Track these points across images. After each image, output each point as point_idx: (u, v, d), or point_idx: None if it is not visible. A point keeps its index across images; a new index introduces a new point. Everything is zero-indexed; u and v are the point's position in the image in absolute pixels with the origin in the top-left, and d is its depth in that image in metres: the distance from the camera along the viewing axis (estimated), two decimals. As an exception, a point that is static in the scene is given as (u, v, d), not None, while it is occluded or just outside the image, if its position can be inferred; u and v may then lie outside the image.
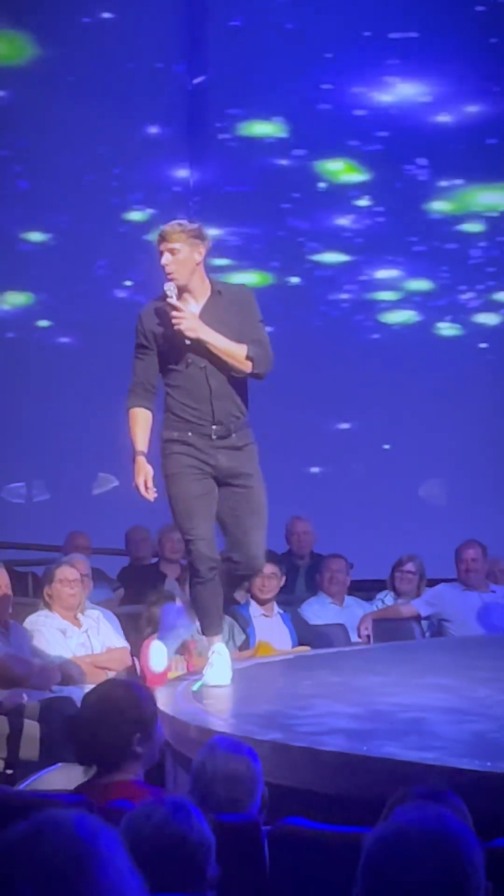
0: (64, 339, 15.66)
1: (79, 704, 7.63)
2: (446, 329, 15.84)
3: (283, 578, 10.51)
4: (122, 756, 4.90)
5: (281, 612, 10.39)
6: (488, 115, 15.66)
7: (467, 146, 15.48)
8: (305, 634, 10.50)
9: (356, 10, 15.46)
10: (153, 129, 15.86)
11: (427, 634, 11.15)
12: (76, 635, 9.45)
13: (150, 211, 15.47)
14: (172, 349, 7.51)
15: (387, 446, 15.30)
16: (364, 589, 11.87)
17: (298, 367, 14.35)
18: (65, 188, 15.23)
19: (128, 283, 15.38)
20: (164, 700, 7.43)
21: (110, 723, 4.90)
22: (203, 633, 8.09)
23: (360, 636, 10.95)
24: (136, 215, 15.52)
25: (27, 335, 15.48)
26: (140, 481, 7.49)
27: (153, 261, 8.18)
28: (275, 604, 10.36)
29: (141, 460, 7.53)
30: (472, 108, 15.75)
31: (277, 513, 11.77)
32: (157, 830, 3.59)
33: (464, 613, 11.13)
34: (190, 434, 7.48)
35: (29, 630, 9.25)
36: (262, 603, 10.28)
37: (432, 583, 11.54)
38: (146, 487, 7.48)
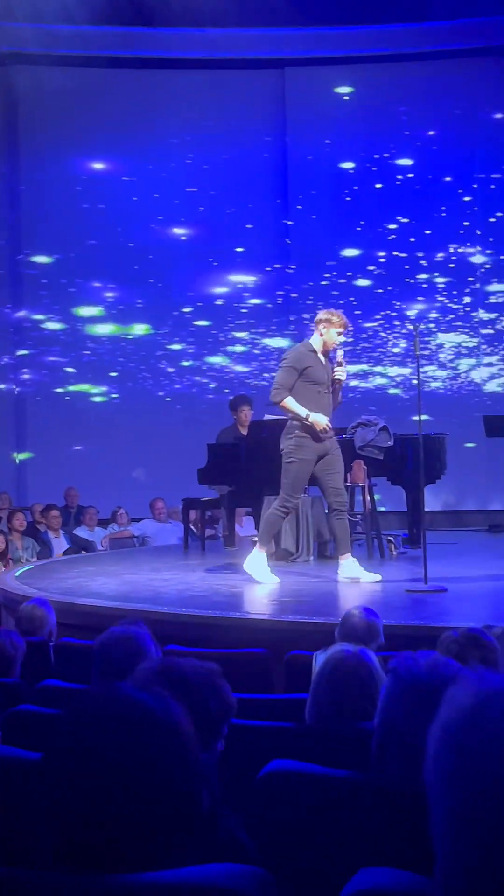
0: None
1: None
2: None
3: (61, 518, 12.51)
4: None
5: (64, 534, 12.39)
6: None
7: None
8: (81, 545, 12.46)
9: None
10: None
11: (138, 545, 12.85)
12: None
13: None
14: (313, 379, 7.79)
15: (135, 474, 14.57)
16: (103, 523, 13.30)
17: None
18: None
19: None
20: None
21: None
22: (262, 545, 7.95)
23: (102, 546, 12.66)
24: None
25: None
26: (324, 423, 7.71)
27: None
28: (61, 531, 12.28)
29: (314, 417, 7.68)
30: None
31: (61, 482, 13.97)
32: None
33: (157, 534, 12.95)
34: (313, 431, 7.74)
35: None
36: (55, 530, 12.30)
37: (137, 519, 13.43)
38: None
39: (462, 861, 0.90)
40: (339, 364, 7.84)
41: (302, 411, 7.65)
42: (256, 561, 7.88)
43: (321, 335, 7.85)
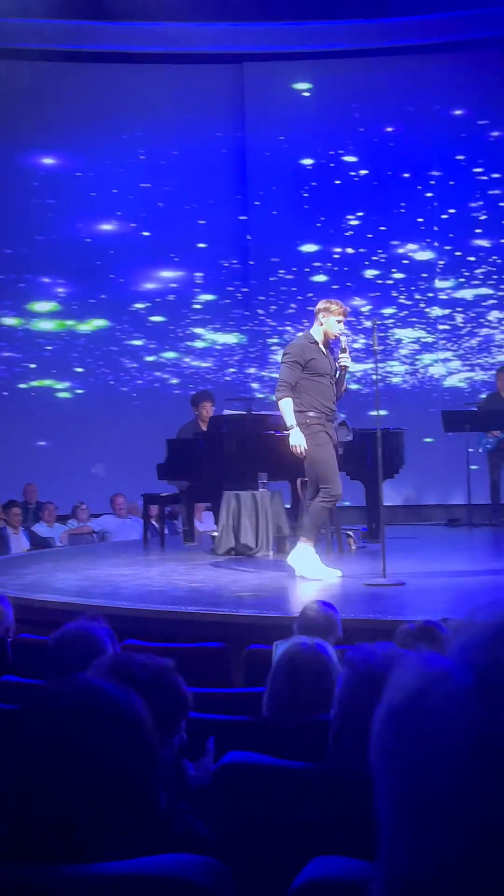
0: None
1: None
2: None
3: (21, 515, 12.69)
4: None
5: (24, 531, 12.57)
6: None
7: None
8: (39, 542, 12.78)
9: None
10: None
11: (97, 540, 12.99)
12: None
13: None
14: (318, 371, 7.74)
15: (94, 470, 14.47)
16: (63, 519, 13.37)
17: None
18: None
19: None
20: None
21: None
22: (308, 538, 7.71)
23: (60, 542, 12.89)
24: None
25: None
26: (300, 448, 7.60)
27: None
28: (20, 527, 12.49)
29: (295, 433, 7.62)
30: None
31: (20, 478, 14.27)
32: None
33: (117, 530, 13.13)
34: (324, 418, 7.75)
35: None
36: (14, 527, 12.50)
37: (96, 515, 13.55)
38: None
39: (402, 842, 0.90)
40: (344, 351, 7.77)
41: (290, 420, 7.59)
42: (306, 557, 7.60)
43: (321, 325, 7.76)
